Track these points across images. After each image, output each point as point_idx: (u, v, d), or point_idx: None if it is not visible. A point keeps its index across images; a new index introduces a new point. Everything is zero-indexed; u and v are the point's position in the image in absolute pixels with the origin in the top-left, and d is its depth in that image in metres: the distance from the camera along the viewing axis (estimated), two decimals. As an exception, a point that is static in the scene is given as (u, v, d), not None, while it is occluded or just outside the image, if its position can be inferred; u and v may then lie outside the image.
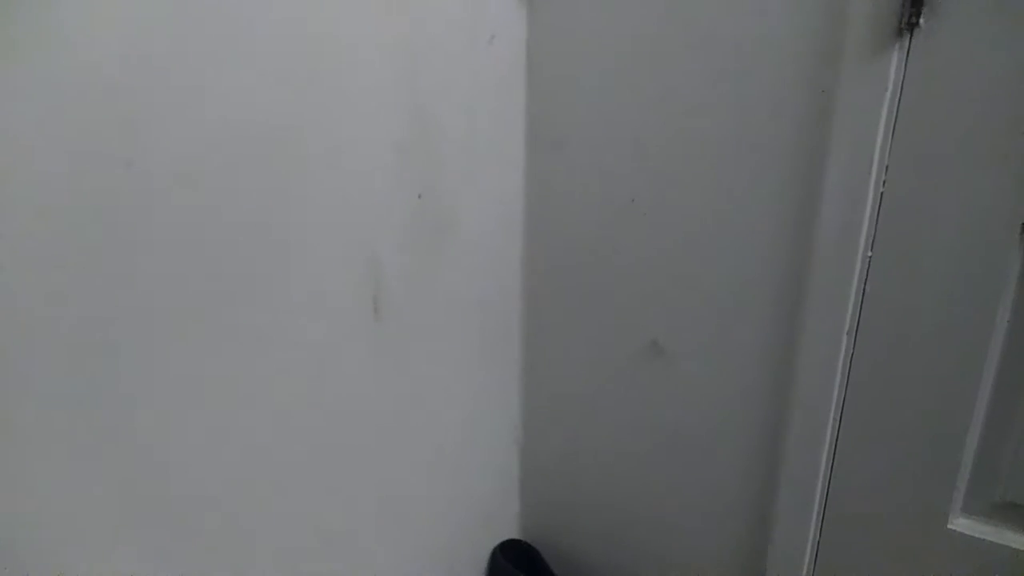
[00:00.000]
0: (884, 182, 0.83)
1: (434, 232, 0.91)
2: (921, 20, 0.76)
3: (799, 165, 0.87)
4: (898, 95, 0.79)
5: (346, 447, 0.85)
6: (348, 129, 0.76)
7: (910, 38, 0.77)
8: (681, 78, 0.92)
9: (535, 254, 1.10)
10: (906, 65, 0.78)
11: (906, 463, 0.88)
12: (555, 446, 1.19)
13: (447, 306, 0.96)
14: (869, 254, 0.85)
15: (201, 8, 0.59)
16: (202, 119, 0.60)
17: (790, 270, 0.90)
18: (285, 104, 0.68)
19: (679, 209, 0.96)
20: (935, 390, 0.84)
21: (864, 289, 0.86)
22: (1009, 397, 0.81)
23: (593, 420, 1.13)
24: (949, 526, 0.88)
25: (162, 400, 0.63)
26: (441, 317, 0.95)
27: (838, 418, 0.92)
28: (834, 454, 0.93)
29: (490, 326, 1.07)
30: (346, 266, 0.80)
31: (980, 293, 0.80)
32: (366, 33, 0.76)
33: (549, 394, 1.17)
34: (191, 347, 0.64)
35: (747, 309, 0.95)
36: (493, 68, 0.95)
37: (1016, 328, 0.80)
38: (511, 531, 1.25)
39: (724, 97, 0.89)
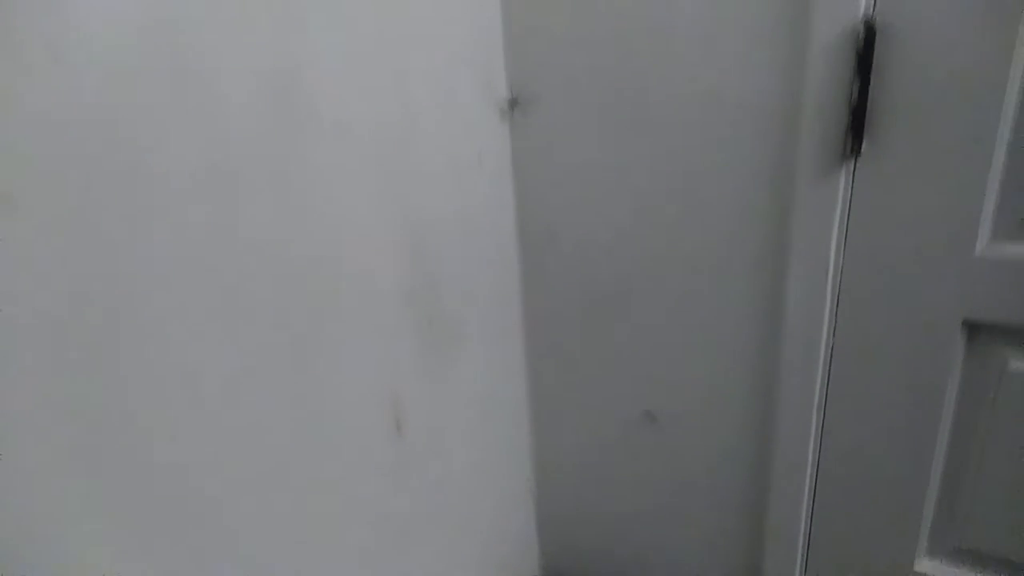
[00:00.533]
0: (840, 282, 0.93)
1: (444, 348, 1.02)
2: (863, 147, 0.85)
3: (765, 268, 0.97)
4: (847, 209, 0.89)
5: (377, 520, 0.96)
6: (362, 294, 0.86)
7: (855, 162, 0.87)
8: (653, 189, 1.01)
9: (536, 342, 1.21)
10: (853, 184, 0.88)
11: (875, 514, 1.01)
12: (566, 497, 1.32)
13: (461, 406, 1.07)
14: (832, 341, 0.96)
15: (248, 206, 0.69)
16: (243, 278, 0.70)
17: (765, 352, 1.01)
18: (309, 281, 0.78)
19: (662, 299, 1.07)
20: (897, 454, 0.96)
21: (830, 370, 0.97)
22: (960, 461, 0.93)
23: (598, 476, 1.25)
24: (915, 568, 1.00)
25: (210, 506, 0.74)
26: (456, 416, 1.07)
27: (814, 476, 1.04)
28: (812, 507, 1.05)
29: (500, 408, 1.19)
30: (369, 400, 0.90)
31: (930, 376, 0.91)
32: (367, 201, 0.86)
33: (557, 456, 1.29)
34: (245, 474, 0.75)
35: (728, 385, 1.06)
36: (483, 185, 1.05)
37: (962, 405, 0.91)
38: (533, 571, 1.39)
39: (693, 210, 0.99)
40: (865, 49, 0.81)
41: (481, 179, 1.04)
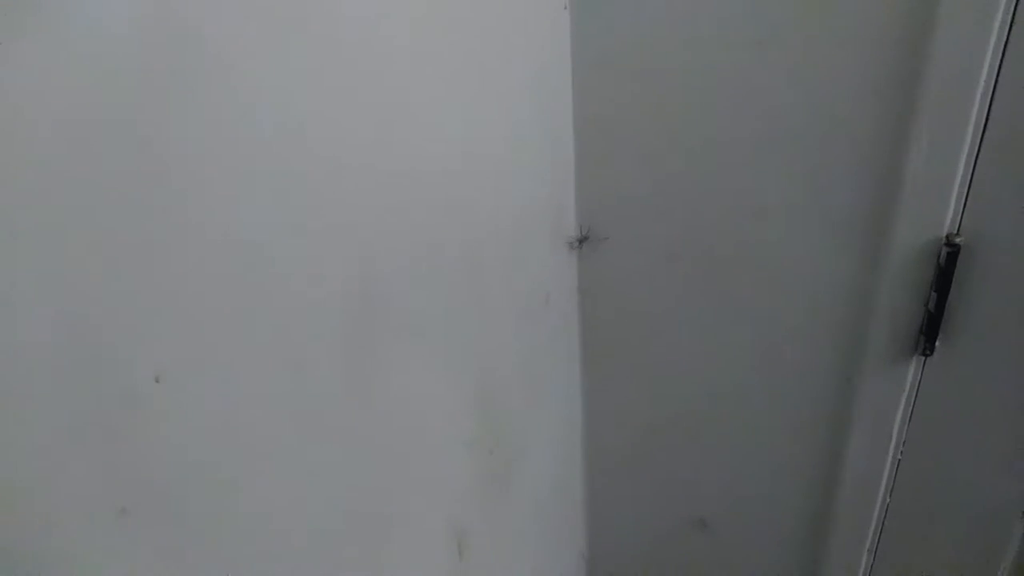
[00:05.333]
0: (902, 454, 1.00)
1: (504, 471, 1.12)
2: (936, 347, 0.90)
3: (827, 426, 1.03)
4: (914, 397, 0.95)
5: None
6: (428, 443, 0.96)
7: (925, 359, 0.91)
8: (717, 332, 1.07)
9: (596, 451, 1.30)
10: (921, 377, 0.93)
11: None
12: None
13: (520, 518, 1.19)
14: (888, 500, 1.04)
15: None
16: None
17: (820, 488, 1.09)
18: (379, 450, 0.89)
19: (722, 426, 1.14)
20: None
21: (883, 523, 1.06)
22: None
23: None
24: None
25: None
26: (515, 528, 1.19)
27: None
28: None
29: (557, 512, 1.31)
30: (432, 531, 1.02)
31: (983, 554, 0.98)
32: (440, 375, 0.94)
33: (610, 560, 1.41)
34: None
35: (781, 507, 1.15)
36: (549, 324, 1.12)
37: (1011, 580, 0.99)
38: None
39: (759, 362, 1.05)
40: (947, 264, 0.84)
41: (547, 320, 1.11)
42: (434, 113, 0.83)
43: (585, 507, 1.37)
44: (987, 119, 0.77)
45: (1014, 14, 0.73)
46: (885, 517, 1.05)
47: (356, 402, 0.80)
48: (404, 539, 0.96)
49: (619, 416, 1.24)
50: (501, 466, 1.12)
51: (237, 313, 0.63)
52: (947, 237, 0.83)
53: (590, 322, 1.18)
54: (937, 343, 0.90)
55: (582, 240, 1.11)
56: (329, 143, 0.68)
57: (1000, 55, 0.74)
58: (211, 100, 0.56)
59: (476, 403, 1.03)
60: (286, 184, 0.64)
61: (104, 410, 0.54)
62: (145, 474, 0.58)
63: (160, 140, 0.52)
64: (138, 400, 0.56)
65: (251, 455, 0.68)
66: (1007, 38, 0.74)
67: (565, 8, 0.96)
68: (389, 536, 0.93)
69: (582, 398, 1.25)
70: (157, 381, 0.58)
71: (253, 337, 0.65)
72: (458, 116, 0.87)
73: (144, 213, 0.52)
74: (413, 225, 0.83)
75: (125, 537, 0.57)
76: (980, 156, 0.79)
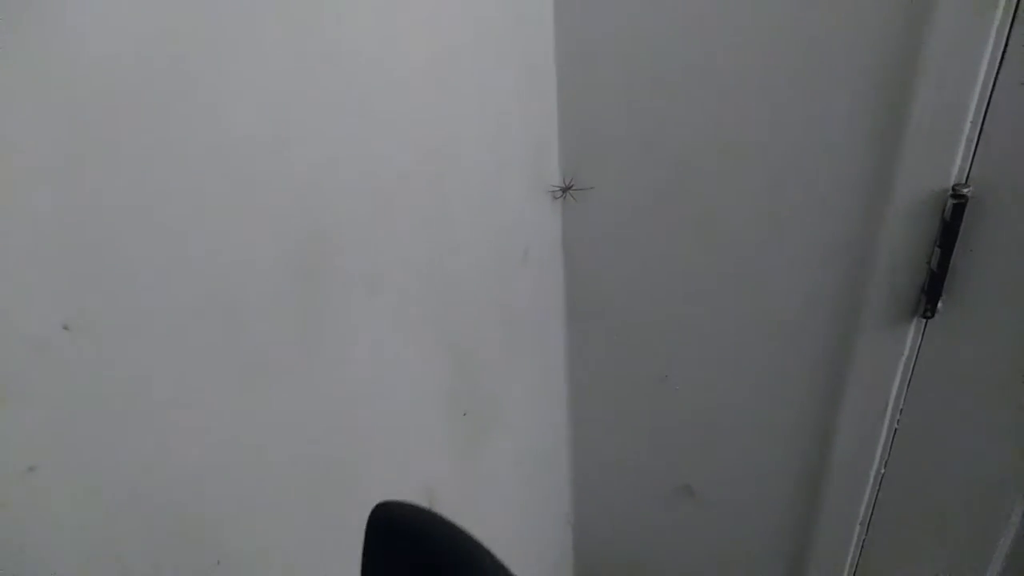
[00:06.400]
0: (899, 421, 0.94)
1: (480, 433, 1.08)
2: (939, 307, 0.84)
3: (821, 386, 0.98)
4: (914, 360, 0.89)
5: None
6: (397, 405, 0.92)
7: (927, 321, 0.85)
8: (708, 285, 1.01)
9: (580, 412, 1.26)
10: (922, 340, 0.87)
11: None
12: (605, 564, 1.42)
13: (499, 480, 1.15)
14: (883, 471, 0.99)
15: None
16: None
17: (812, 453, 1.04)
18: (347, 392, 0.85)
19: (707, 383, 1.09)
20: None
21: (877, 495, 1.01)
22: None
23: (637, 543, 1.35)
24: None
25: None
26: (494, 496, 1.15)
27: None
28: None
29: (542, 473, 1.27)
30: (399, 490, 0.98)
31: (981, 526, 0.94)
32: (409, 335, 0.90)
33: (596, 521, 1.38)
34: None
35: (769, 475, 1.10)
36: (529, 280, 1.06)
37: (1013, 561, 0.94)
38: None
39: (750, 316, 1.00)
40: (953, 218, 0.77)
41: (525, 275, 1.06)
42: (397, 47, 0.77)
43: (570, 471, 1.34)
44: (1004, 53, 0.69)
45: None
46: (879, 489, 1.00)
47: (306, 355, 0.76)
48: (366, 500, 0.93)
49: (605, 377, 1.19)
50: (477, 427, 1.08)
51: (163, 263, 0.58)
52: (954, 188, 0.77)
53: (574, 277, 1.13)
54: (939, 304, 0.83)
55: (565, 189, 1.05)
56: (271, 84, 0.62)
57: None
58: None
59: (449, 362, 0.98)
60: (221, 133, 0.59)
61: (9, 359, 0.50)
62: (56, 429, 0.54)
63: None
64: (45, 349, 0.52)
65: (185, 405, 0.64)
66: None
67: (545, -69, 0.89)
68: (350, 495, 0.90)
69: (566, 357, 1.20)
70: (66, 329, 0.53)
71: (183, 287, 0.60)
72: (425, 51, 0.81)
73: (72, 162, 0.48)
74: (371, 173, 0.77)
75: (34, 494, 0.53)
76: (994, 97, 0.71)
